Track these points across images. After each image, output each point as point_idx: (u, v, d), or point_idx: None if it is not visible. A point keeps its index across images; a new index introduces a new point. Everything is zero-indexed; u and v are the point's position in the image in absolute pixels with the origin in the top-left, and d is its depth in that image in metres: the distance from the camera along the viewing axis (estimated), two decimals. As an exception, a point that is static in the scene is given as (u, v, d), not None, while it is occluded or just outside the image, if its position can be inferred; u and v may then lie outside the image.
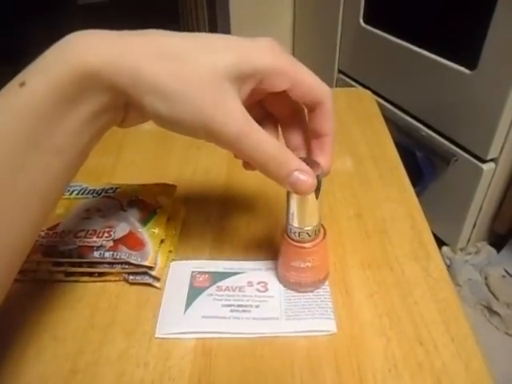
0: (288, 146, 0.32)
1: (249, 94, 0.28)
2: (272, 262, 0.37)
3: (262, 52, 0.27)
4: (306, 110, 0.31)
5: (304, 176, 0.28)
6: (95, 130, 0.26)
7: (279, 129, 0.33)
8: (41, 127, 0.24)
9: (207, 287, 0.36)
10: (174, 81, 0.25)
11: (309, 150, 0.32)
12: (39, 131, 0.24)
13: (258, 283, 0.36)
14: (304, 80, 0.28)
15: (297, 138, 0.33)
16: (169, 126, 0.27)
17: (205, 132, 0.26)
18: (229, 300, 0.35)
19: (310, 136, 0.32)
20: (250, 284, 0.36)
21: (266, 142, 0.27)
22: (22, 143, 0.23)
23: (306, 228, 0.32)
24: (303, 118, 0.32)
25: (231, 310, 0.34)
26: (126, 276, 0.36)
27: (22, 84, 0.23)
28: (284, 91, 0.28)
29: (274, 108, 0.32)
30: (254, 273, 0.37)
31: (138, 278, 0.36)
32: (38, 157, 0.24)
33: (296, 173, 0.28)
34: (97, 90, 0.25)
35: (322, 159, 0.31)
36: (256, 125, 0.27)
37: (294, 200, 0.31)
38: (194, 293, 0.35)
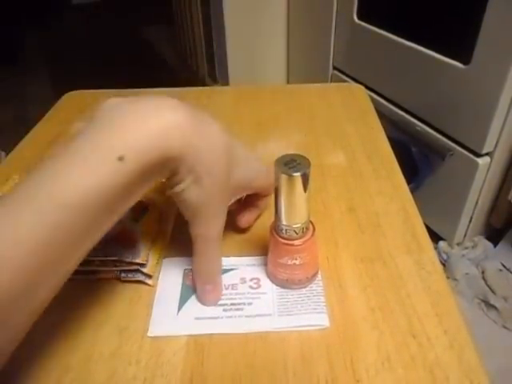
0: (244, 203, 0.39)
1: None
2: (265, 257, 0.37)
3: (261, 176, 0.36)
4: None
5: (213, 293, 0.34)
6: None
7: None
8: (122, 198, 0.27)
9: None
10: (210, 177, 0.30)
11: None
12: (119, 201, 0.27)
13: (251, 280, 0.36)
14: (265, 186, 0.37)
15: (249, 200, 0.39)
16: (178, 202, 0.31)
17: (196, 221, 0.32)
18: (221, 299, 0.35)
19: (249, 198, 0.38)
20: (243, 281, 0.36)
21: (216, 258, 0.34)
22: (104, 208, 0.26)
23: (294, 225, 0.32)
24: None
25: (224, 310, 0.34)
26: (118, 273, 0.36)
27: (121, 158, 0.25)
28: None
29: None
30: (247, 269, 0.37)
31: (130, 276, 0.36)
32: (105, 220, 0.27)
33: (210, 286, 0.34)
34: (168, 169, 0.29)
35: (245, 219, 0.40)
36: (221, 238, 0.33)
37: (282, 197, 0.31)
38: (186, 292, 0.35)
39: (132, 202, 0.28)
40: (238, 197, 0.35)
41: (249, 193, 0.37)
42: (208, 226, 0.32)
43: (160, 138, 0.26)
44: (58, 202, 0.24)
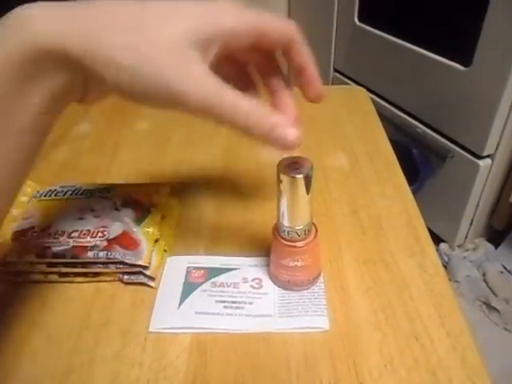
0: (271, 92, 0.32)
1: (216, 54, 0.26)
2: (268, 258, 0.37)
3: (222, 12, 0.26)
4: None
5: (288, 129, 0.26)
6: (55, 108, 0.25)
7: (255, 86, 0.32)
8: (13, 96, 0.23)
9: (202, 283, 0.36)
10: (134, 53, 0.24)
11: (291, 88, 0.32)
12: (12, 100, 0.23)
13: (253, 280, 0.36)
14: (271, 28, 0.27)
15: (277, 81, 0.32)
16: (134, 100, 0.25)
17: (173, 104, 0.25)
18: (223, 296, 0.35)
19: (295, 74, 0.31)
20: (245, 280, 0.36)
21: (240, 100, 0.25)
22: None
23: (297, 227, 0.32)
24: (277, 59, 0.31)
25: (225, 307, 0.34)
26: (121, 276, 0.36)
27: None
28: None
29: (245, 57, 0.31)
30: (249, 269, 0.37)
31: (133, 278, 0.36)
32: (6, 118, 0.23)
33: (279, 127, 0.26)
34: (53, 67, 0.24)
35: (314, 88, 0.31)
36: (226, 86, 0.25)
37: (285, 199, 0.31)
38: (188, 288, 0.35)
39: (24, 117, 0.24)
40: (214, 49, 0.26)
41: (225, 44, 0.26)
42: (194, 101, 0.24)
43: (14, 27, 0.23)
44: None
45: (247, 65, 0.32)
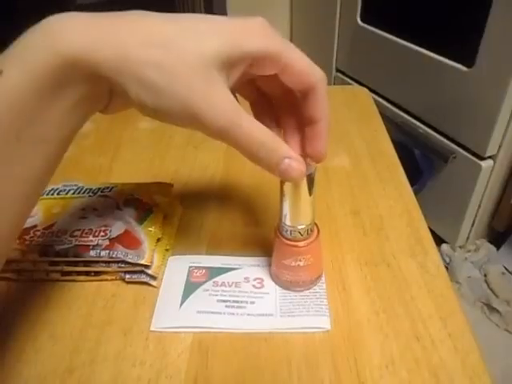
0: (283, 128, 0.31)
1: (238, 77, 0.26)
2: (270, 258, 0.37)
3: (251, 35, 0.25)
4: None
5: (294, 163, 0.27)
6: (79, 118, 0.25)
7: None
8: (21, 118, 0.23)
9: (204, 282, 0.36)
10: (160, 72, 0.23)
11: (303, 134, 0.31)
12: (19, 122, 0.23)
13: (255, 279, 0.36)
14: (294, 65, 0.27)
15: (291, 121, 0.31)
16: (155, 117, 0.26)
17: (193, 124, 0.25)
18: (224, 295, 0.35)
19: (304, 122, 0.30)
20: (247, 280, 0.36)
21: (255, 130, 0.26)
22: (2, 134, 0.22)
23: (299, 227, 0.32)
24: (297, 100, 0.30)
25: (226, 306, 0.34)
26: (123, 275, 0.36)
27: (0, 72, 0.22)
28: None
29: (266, 87, 0.31)
30: (251, 269, 0.37)
31: (135, 277, 0.36)
32: (19, 148, 0.23)
33: (287, 160, 0.27)
34: (80, 78, 0.23)
35: (317, 146, 0.30)
36: (245, 114, 0.26)
37: (287, 198, 0.31)
38: (190, 288, 0.35)
39: (48, 127, 0.24)
40: (236, 73, 0.26)
41: (248, 67, 0.26)
42: (210, 123, 0.25)
43: (44, 39, 0.23)
44: None
45: (266, 95, 0.32)
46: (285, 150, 0.27)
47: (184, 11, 2.00)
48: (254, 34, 0.25)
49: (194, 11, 1.84)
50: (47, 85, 0.23)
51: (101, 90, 0.25)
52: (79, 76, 0.23)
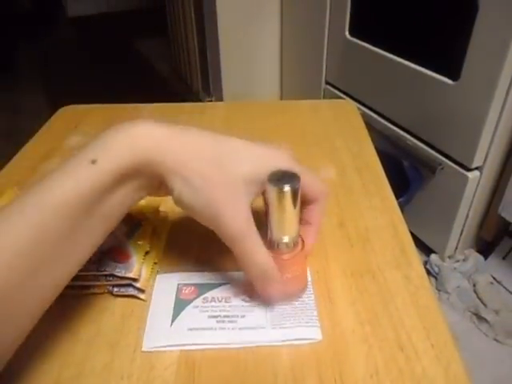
0: None
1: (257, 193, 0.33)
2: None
3: (277, 159, 0.32)
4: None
5: (277, 294, 0.34)
6: (134, 201, 0.32)
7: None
8: (99, 199, 0.28)
9: (193, 299, 0.36)
10: (204, 180, 0.30)
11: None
12: (98, 201, 0.28)
13: (244, 293, 0.36)
14: (310, 187, 0.34)
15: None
16: (185, 209, 0.32)
17: (212, 223, 0.31)
18: (215, 311, 0.35)
19: (301, 217, 0.35)
20: (236, 294, 0.36)
21: (258, 251, 0.31)
22: (84, 209, 0.28)
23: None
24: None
25: (217, 321, 0.34)
26: (111, 288, 0.36)
27: (94, 161, 0.28)
28: None
29: None
30: (239, 284, 0.37)
31: (123, 290, 0.36)
32: (88, 222, 0.29)
33: (270, 290, 0.33)
34: (145, 172, 0.30)
35: (308, 241, 0.35)
36: (255, 230, 0.31)
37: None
38: (180, 305, 0.35)
39: (113, 206, 0.30)
40: (259, 189, 0.32)
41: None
42: (225, 227, 0.31)
43: (130, 140, 0.30)
44: (41, 205, 0.27)
45: None
46: (277, 277, 0.33)
47: (175, 23, 2.02)
48: (281, 159, 0.33)
49: (185, 24, 1.86)
50: (124, 173, 0.29)
51: (156, 182, 0.32)
52: (145, 171, 0.30)
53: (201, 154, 0.31)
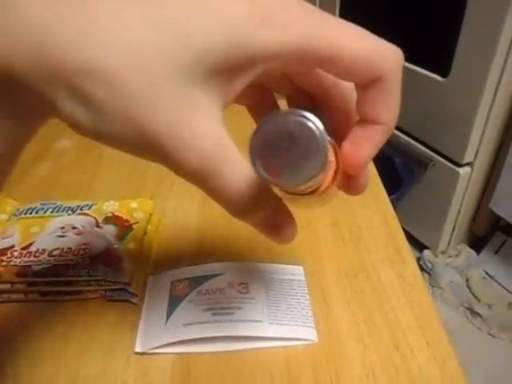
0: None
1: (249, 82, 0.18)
2: (252, 263, 0.37)
3: (265, 23, 0.16)
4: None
5: (284, 226, 0.21)
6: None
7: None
8: None
9: (187, 294, 0.35)
10: (107, 84, 0.15)
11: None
12: None
13: (239, 284, 0.35)
14: (344, 55, 0.18)
15: (334, 121, 0.22)
16: (101, 142, 0.19)
17: (155, 159, 0.18)
18: (209, 303, 0.34)
19: (357, 118, 0.20)
20: (231, 285, 0.35)
21: (238, 179, 0.18)
22: None
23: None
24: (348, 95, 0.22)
25: (213, 314, 0.33)
26: (103, 293, 0.35)
27: None
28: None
29: (301, 83, 0.22)
30: (233, 273, 0.36)
31: (116, 295, 0.35)
32: None
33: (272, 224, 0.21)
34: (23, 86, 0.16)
35: (359, 159, 0.20)
36: (231, 150, 0.18)
37: None
38: (174, 302, 0.35)
39: None
40: (243, 79, 0.17)
41: (262, 72, 0.17)
42: (170, 153, 0.17)
43: None
44: None
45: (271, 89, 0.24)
46: (272, 210, 0.21)
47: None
48: (270, 22, 0.16)
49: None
50: None
51: (23, 100, 0.17)
52: (11, 87, 0.16)
53: (108, 35, 0.15)
